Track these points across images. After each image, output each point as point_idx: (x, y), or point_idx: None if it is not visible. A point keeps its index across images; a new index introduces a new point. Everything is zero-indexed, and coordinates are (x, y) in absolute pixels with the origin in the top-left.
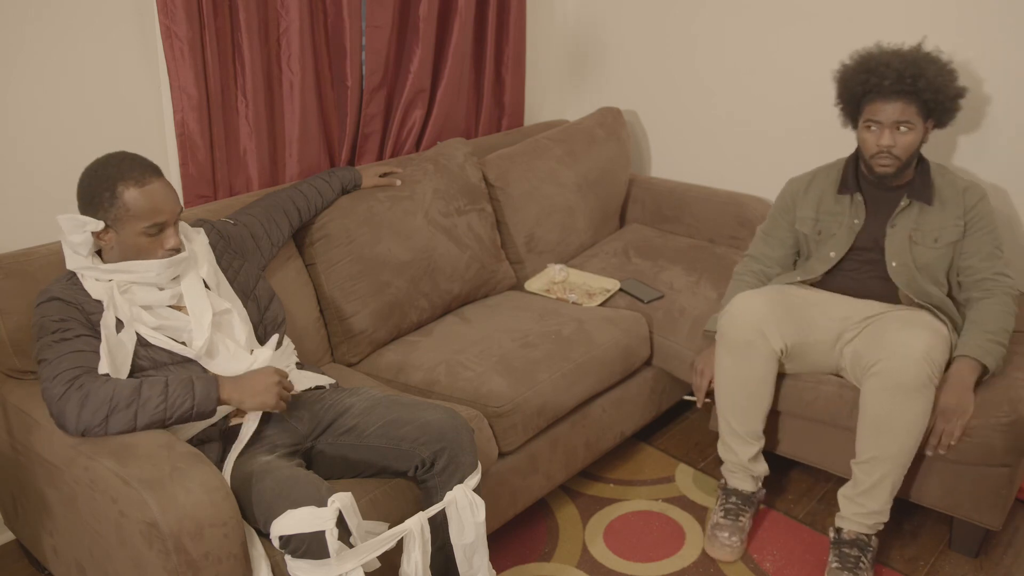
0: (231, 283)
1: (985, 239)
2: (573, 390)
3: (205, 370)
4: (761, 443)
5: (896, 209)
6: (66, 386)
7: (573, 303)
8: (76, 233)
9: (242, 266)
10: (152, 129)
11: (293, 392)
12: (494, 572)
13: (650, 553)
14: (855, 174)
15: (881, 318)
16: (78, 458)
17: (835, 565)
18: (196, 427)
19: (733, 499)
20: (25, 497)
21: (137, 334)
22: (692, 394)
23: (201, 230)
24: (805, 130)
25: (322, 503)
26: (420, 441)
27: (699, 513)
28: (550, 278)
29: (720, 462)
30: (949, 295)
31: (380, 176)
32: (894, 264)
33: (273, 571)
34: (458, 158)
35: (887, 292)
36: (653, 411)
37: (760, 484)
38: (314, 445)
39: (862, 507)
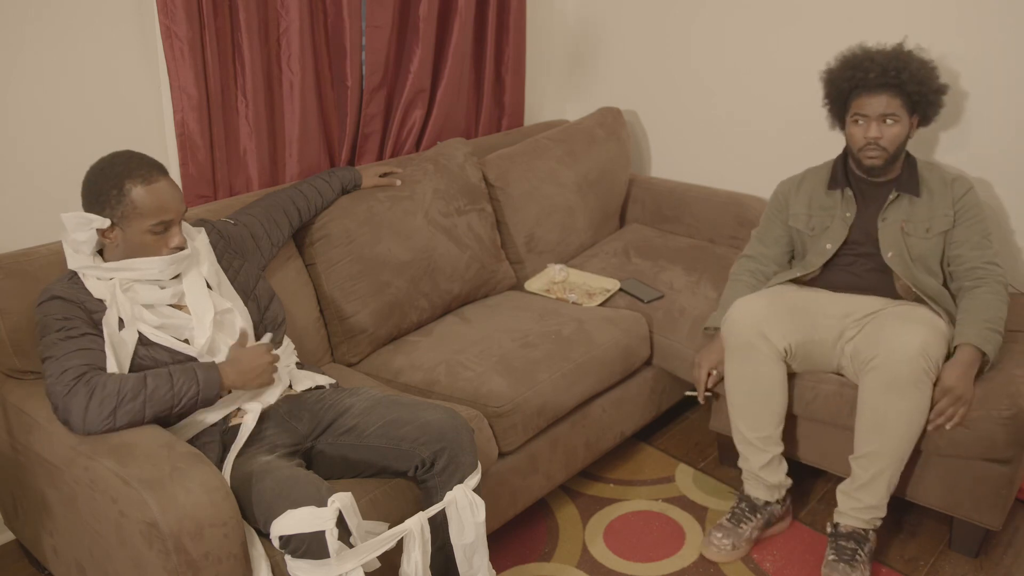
0: (231, 283)
1: (974, 228)
2: (573, 390)
3: None
4: (777, 450)
5: (885, 203)
6: (73, 383)
7: (573, 303)
8: (81, 231)
9: (242, 266)
10: (152, 129)
11: (293, 392)
12: (494, 572)
13: (650, 553)
14: (844, 171)
15: (880, 314)
16: (78, 458)
17: (831, 557)
18: (196, 427)
19: (742, 505)
20: (25, 497)
21: (139, 333)
22: (694, 390)
23: (202, 229)
24: (805, 130)
25: (322, 503)
26: (420, 441)
27: (699, 513)
28: (550, 278)
29: (720, 463)
30: (944, 286)
31: (380, 176)
32: (890, 254)
33: (273, 571)
34: (458, 158)
35: (885, 284)
36: (653, 411)
37: (779, 498)
38: (314, 445)
39: (859, 502)
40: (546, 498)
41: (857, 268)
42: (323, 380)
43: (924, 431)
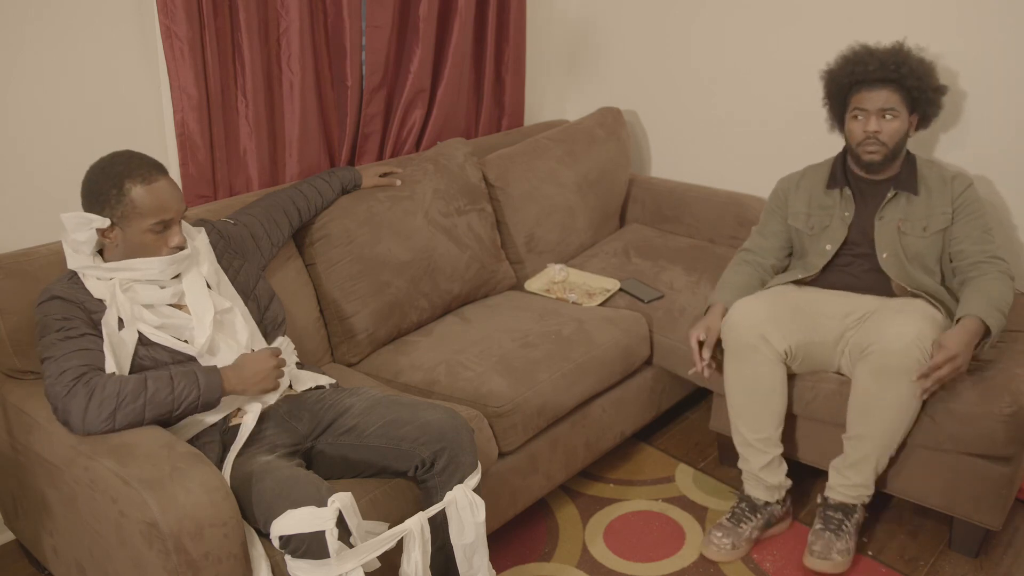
0: (231, 283)
1: (974, 223)
2: (573, 390)
3: None
4: (776, 451)
5: (883, 201)
6: (72, 383)
7: (573, 303)
8: (81, 231)
9: (242, 266)
10: (152, 129)
11: (293, 392)
12: (494, 572)
13: (650, 553)
14: (843, 169)
15: (878, 310)
16: (78, 458)
17: (818, 527)
18: (196, 427)
19: (742, 505)
20: (25, 497)
21: (139, 332)
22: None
23: (202, 229)
24: (805, 130)
25: (322, 503)
26: (420, 441)
27: (699, 513)
28: (550, 278)
29: (720, 463)
30: (943, 284)
31: (380, 176)
32: (884, 255)
33: (273, 571)
34: (458, 158)
35: (881, 284)
36: (653, 411)
37: (779, 498)
38: (314, 445)
39: (847, 479)
40: (546, 498)
41: (855, 269)
42: (323, 380)
43: (916, 419)
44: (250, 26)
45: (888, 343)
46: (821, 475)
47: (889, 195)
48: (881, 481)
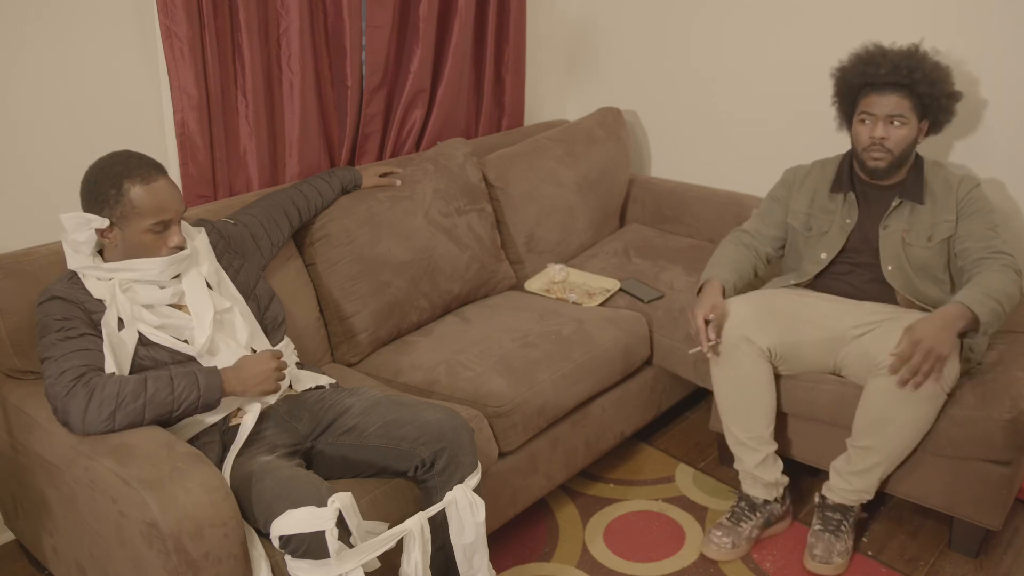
0: (231, 283)
1: (979, 221)
2: (573, 390)
3: None
4: (770, 449)
5: (888, 210)
6: (72, 384)
7: (573, 303)
8: (80, 231)
9: (242, 266)
10: (152, 129)
11: (293, 392)
12: (494, 572)
13: (650, 553)
14: (849, 173)
15: (890, 321)
16: (78, 458)
17: (818, 527)
18: (196, 427)
19: (741, 504)
20: (25, 497)
21: (139, 333)
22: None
23: (202, 229)
24: (805, 130)
25: (322, 503)
26: (420, 441)
27: (699, 513)
28: (550, 278)
29: (720, 463)
30: (953, 292)
31: (380, 176)
32: (890, 268)
33: (273, 571)
34: (458, 158)
35: (884, 294)
36: (653, 411)
37: (778, 496)
38: (314, 445)
39: (850, 484)
40: (546, 498)
41: (855, 279)
42: (323, 380)
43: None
44: (250, 26)
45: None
46: (819, 474)
47: (894, 204)
48: (881, 482)
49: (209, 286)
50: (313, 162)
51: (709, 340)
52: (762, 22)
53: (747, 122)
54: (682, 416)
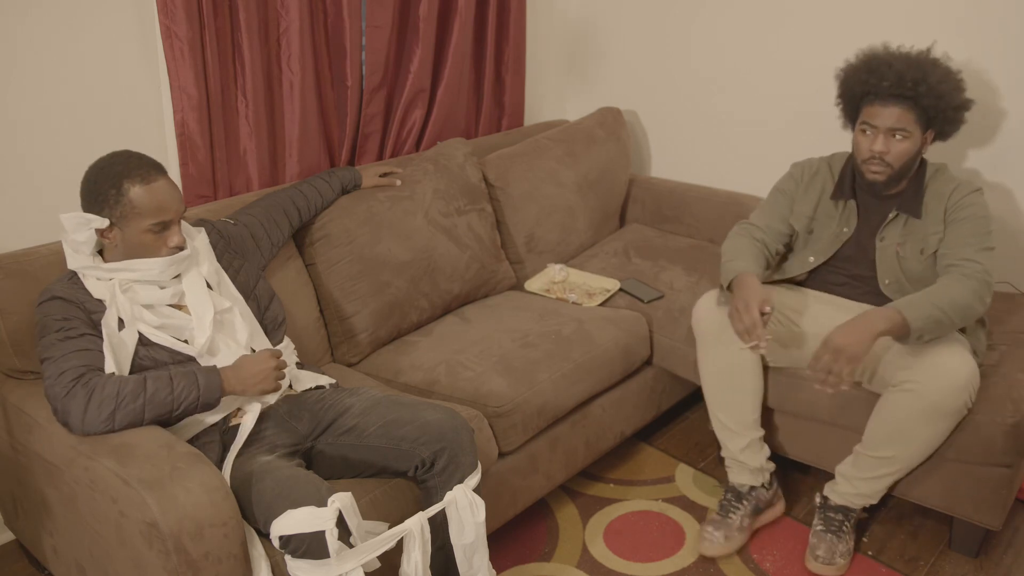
0: (231, 283)
1: (962, 229)
2: (573, 390)
3: None
4: (755, 434)
5: (885, 220)
6: (71, 384)
7: (573, 303)
8: (80, 231)
9: (242, 266)
10: (152, 129)
11: (293, 392)
12: (494, 572)
13: (650, 553)
14: (852, 180)
15: None
16: (78, 458)
17: (819, 528)
18: (196, 427)
19: (728, 495)
20: (25, 497)
21: (139, 333)
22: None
23: (202, 229)
24: (805, 130)
25: (322, 503)
26: (420, 441)
27: (699, 513)
28: (550, 278)
29: (720, 463)
30: None
31: (380, 176)
32: (887, 281)
33: (273, 571)
34: (458, 158)
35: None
36: (653, 411)
37: (764, 482)
38: (314, 445)
39: (856, 488)
40: (546, 498)
41: (852, 291)
42: (323, 380)
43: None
44: (250, 26)
45: (940, 383)
46: (821, 473)
47: (891, 216)
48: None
49: (209, 286)
50: (313, 162)
51: (761, 334)
52: (762, 22)
53: (747, 122)
54: (682, 416)
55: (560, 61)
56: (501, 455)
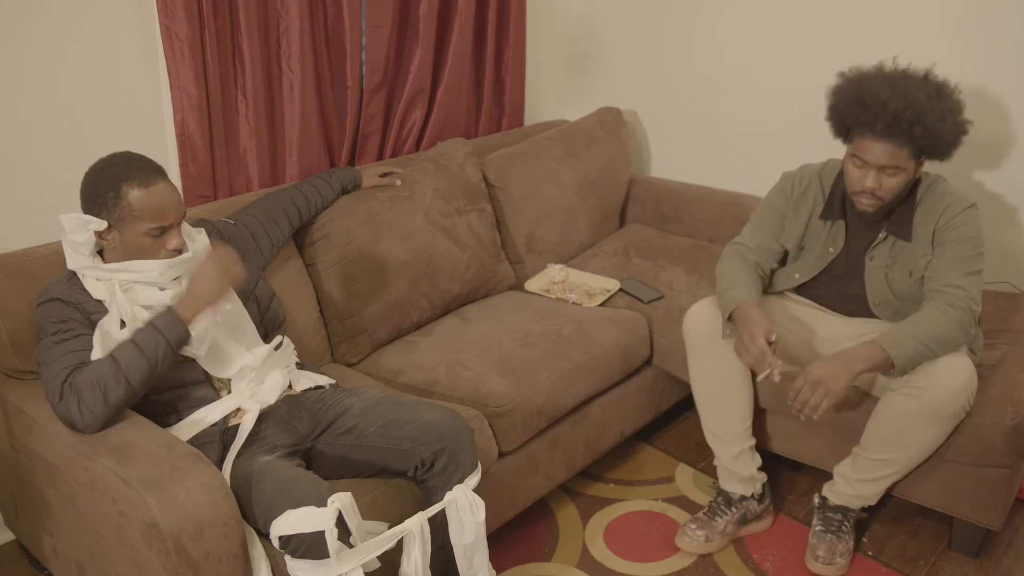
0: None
1: (948, 252)
2: (573, 390)
3: (207, 372)
4: (745, 444)
5: (874, 242)
6: (60, 388)
7: (573, 303)
8: (79, 232)
9: (242, 266)
10: (152, 129)
11: (293, 392)
12: (494, 572)
13: (650, 553)
14: (842, 199)
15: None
16: (78, 458)
17: (819, 528)
18: (196, 427)
19: (718, 499)
20: (25, 497)
21: None
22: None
23: (202, 230)
24: (805, 130)
25: (322, 503)
26: (420, 441)
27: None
28: (550, 278)
29: None
30: None
31: (380, 176)
32: (876, 301)
33: (273, 571)
34: (458, 158)
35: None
36: (653, 411)
37: (755, 492)
38: (314, 445)
39: (854, 490)
40: (546, 498)
41: (844, 307)
42: (323, 380)
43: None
44: (250, 26)
45: (940, 387)
46: (820, 473)
47: (880, 237)
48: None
49: None
50: (313, 162)
51: (773, 362)
52: (762, 22)
53: (747, 122)
54: (682, 416)
55: (560, 61)
56: (501, 455)
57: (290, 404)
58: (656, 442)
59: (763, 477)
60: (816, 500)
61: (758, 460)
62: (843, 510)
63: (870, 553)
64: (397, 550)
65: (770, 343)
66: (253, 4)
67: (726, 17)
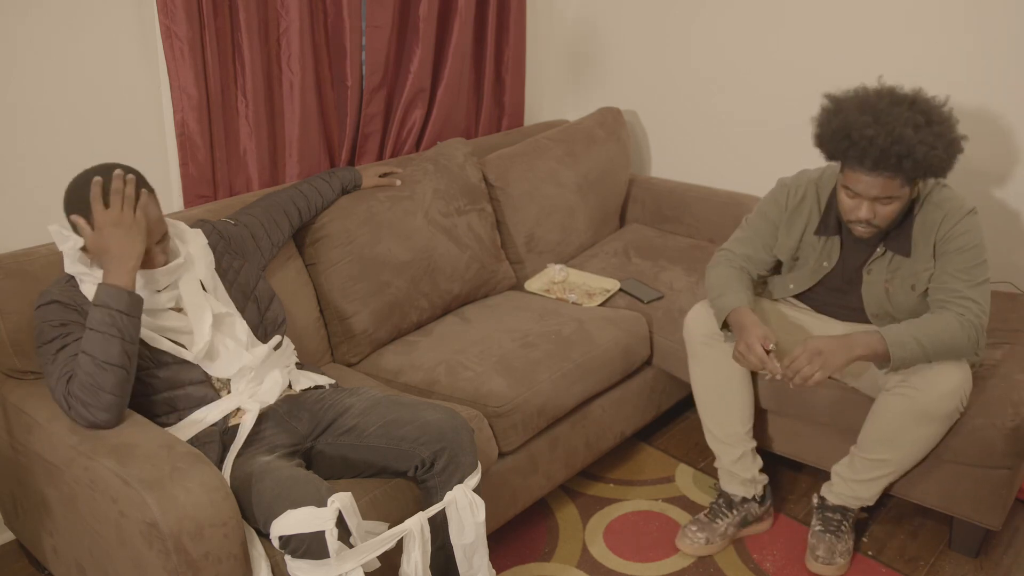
0: (231, 284)
1: (951, 261)
2: (573, 390)
3: (207, 374)
4: (746, 447)
5: (872, 256)
6: (66, 401)
7: (573, 303)
8: (63, 243)
9: (242, 266)
10: (152, 129)
11: (293, 392)
12: (494, 572)
13: (650, 553)
14: (837, 215)
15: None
16: (78, 458)
17: (818, 528)
18: (196, 427)
19: (720, 500)
20: (25, 497)
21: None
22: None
23: (199, 231)
24: (805, 130)
25: (322, 503)
26: (420, 441)
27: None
28: (550, 278)
29: None
30: None
31: (380, 176)
32: (875, 313)
33: (273, 571)
34: (458, 158)
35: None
36: (653, 411)
37: (756, 494)
38: (314, 445)
39: (852, 490)
40: (546, 498)
41: (842, 317)
42: (323, 380)
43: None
44: (250, 26)
45: (934, 388)
46: (820, 474)
47: (878, 252)
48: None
49: (205, 289)
50: (313, 162)
51: (774, 368)
52: (762, 22)
53: (747, 122)
54: (682, 416)
55: (560, 61)
56: (501, 455)
57: (290, 404)
58: (656, 442)
59: (764, 479)
60: (815, 500)
61: (759, 462)
62: (842, 510)
63: (870, 553)
64: (397, 550)
65: (768, 351)
66: (253, 4)
67: (726, 17)
